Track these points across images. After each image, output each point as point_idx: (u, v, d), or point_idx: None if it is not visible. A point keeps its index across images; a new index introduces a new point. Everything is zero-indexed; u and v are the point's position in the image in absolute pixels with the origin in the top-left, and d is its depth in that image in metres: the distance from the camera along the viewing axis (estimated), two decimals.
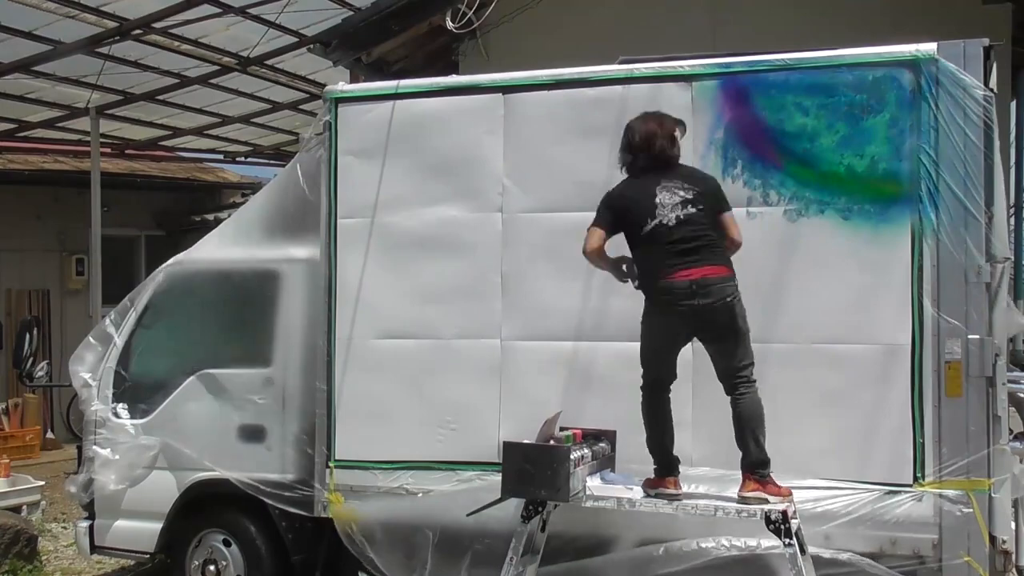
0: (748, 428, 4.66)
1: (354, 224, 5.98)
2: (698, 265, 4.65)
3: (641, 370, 4.84)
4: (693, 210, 4.74)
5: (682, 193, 4.77)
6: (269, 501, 6.09)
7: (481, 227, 5.74)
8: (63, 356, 6.91)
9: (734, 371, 4.71)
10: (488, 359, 5.68)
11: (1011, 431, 5.20)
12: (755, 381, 4.72)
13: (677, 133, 4.94)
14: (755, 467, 4.65)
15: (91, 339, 6.83)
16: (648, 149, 4.87)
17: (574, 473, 4.71)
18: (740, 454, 4.71)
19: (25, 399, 13.09)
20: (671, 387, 4.85)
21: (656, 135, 4.88)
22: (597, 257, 4.87)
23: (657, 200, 4.75)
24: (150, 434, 6.49)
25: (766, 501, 4.56)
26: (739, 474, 4.73)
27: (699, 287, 4.61)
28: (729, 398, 4.73)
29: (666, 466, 4.80)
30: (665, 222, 4.72)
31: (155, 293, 6.71)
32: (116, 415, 6.60)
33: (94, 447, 6.59)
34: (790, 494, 4.67)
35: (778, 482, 4.69)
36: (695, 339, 4.87)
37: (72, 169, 14.34)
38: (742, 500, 4.60)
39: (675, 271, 4.65)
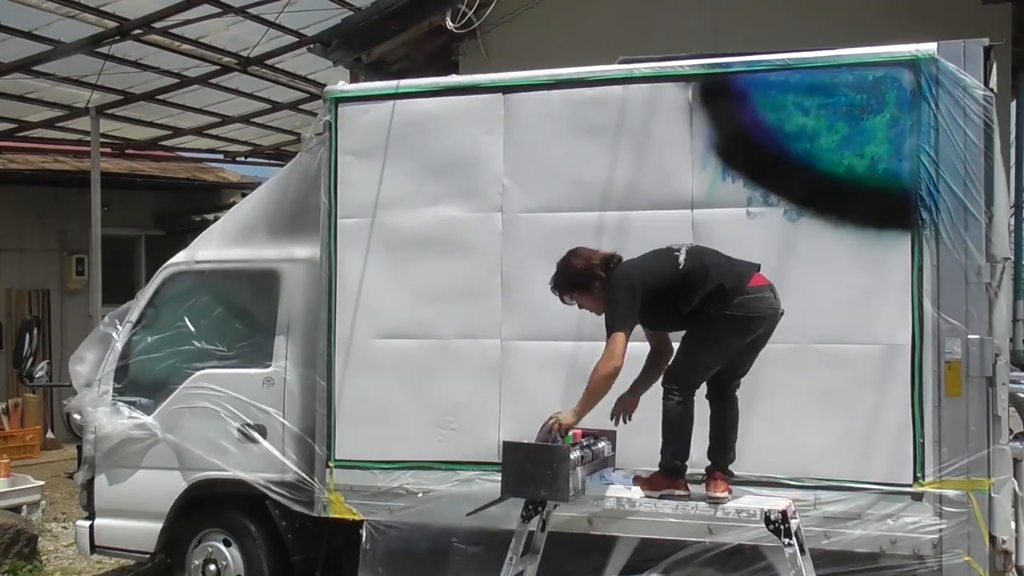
0: (736, 429, 4.69)
1: (354, 224, 5.98)
2: (757, 270, 4.60)
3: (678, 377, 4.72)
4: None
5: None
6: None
7: (481, 227, 5.74)
8: (63, 356, 6.91)
9: (743, 375, 4.71)
10: (488, 359, 5.68)
11: (1011, 431, 5.20)
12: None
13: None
14: (728, 465, 4.68)
15: (92, 339, 6.84)
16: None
17: (574, 473, 4.70)
18: (720, 454, 4.70)
19: (25, 399, 13.10)
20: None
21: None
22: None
23: (661, 247, 4.70)
24: (150, 433, 6.50)
25: (726, 500, 4.59)
26: (740, 476, 4.74)
27: (773, 291, 4.58)
28: (720, 399, 4.71)
29: (678, 469, 4.79)
30: (692, 245, 4.67)
31: (155, 293, 6.72)
32: (116, 414, 6.61)
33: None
34: None
35: (777, 483, 4.72)
36: None
37: (72, 169, 14.34)
38: (713, 500, 4.59)
39: (750, 278, 4.54)
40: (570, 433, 4.96)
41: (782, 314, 4.61)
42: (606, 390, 4.62)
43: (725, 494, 4.61)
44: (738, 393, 4.72)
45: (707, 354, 4.70)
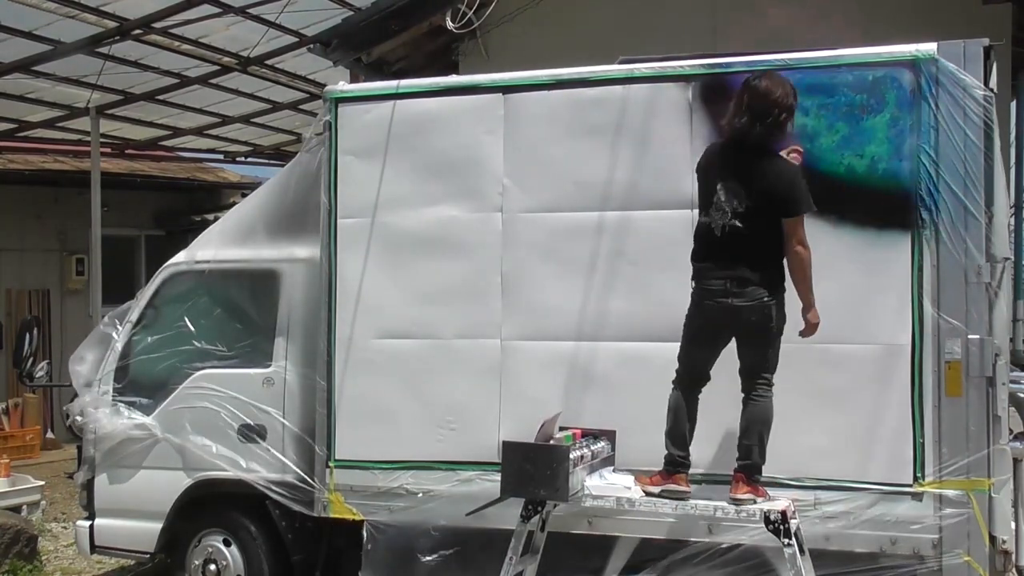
0: (755, 431, 4.66)
1: (354, 224, 5.98)
2: (734, 267, 4.63)
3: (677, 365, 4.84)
4: (741, 225, 4.61)
5: (736, 203, 4.62)
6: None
7: (481, 227, 5.74)
8: (63, 356, 6.90)
9: (757, 372, 4.71)
10: (488, 359, 5.68)
11: (1011, 431, 5.20)
12: (773, 386, 4.72)
13: (787, 121, 4.71)
14: (752, 471, 4.65)
15: (91, 339, 6.84)
16: (755, 123, 4.64)
17: (574, 473, 4.71)
18: (737, 455, 4.71)
19: (25, 399, 13.09)
20: (702, 388, 4.83)
21: (775, 107, 4.65)
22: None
23: (715, 198, 4.68)
24: (150, 433, 6.50)
25: (744, 504, 4.58)
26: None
27: (732, 286, 4.60)
28: (743, 396, 4.73)
29: (678, 463, 4.79)
30: (713, 227, 4.68)
31: (155, 293, 6.72)
32: (116, 414, 6.61)
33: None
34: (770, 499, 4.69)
35: (777, 483, 4.71)
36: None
37: (72, 169, 14.35)
38: (734, 502, 4.60)
39: (713, 273, 4.66)
40: (570, 432, 4.98)
41: (743, 309, 4.61)
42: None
43: (746, 496, 4.59)
44: (761, 395, 4.71)
45: (685, 339, 4.80)
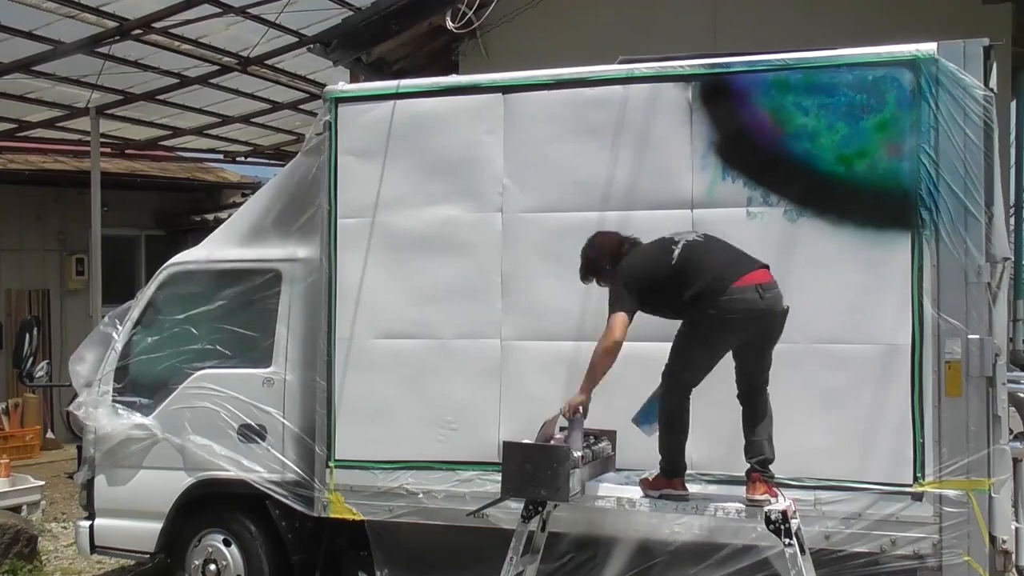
0: (762, 428, 4.66)
1: (354, 224, 5.98)
2: (753, 268, 4.62)
3: (669, 371, 4.78)
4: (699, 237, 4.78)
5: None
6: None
7: (481, 227, 5.74)
8: (63, 356, 6.91)
9: (764, 376, 4.70)
10: (488, 359, 5.68)
11: (1011, 431, 5.20)
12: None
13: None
14: (765, 465, 4.63)
15: (91, 339, 6.84)
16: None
17: (574, 473, 4.71)
18: (743, 457, 4.69)
19: (25, 399, 13.09)
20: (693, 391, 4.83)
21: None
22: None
23: (665, 236, 4.81)
24: (150, 433, 6.50)
25: (766, 504, 4.56)
26: (737, 475, 4.73)
27: (764, 290, 4.58)
28: (744, 399, 4.71)
29: (676, 468, 4.78)
30: (691, 240, 4.72)
31: (155, 293, 6.73)
32: (116, 414, 6.61)
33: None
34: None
35: (778, 481, 4.71)
36: None
37: (72, 169, 14.35)
38: (753, 503, 4.56)
39: (736, 278, 4.57)
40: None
41: (780, 313, 4.62)
42: (607, 365, 4.72)
43: (764, 496, 4.56)
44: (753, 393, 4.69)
45: (694, 352, 4.74)
